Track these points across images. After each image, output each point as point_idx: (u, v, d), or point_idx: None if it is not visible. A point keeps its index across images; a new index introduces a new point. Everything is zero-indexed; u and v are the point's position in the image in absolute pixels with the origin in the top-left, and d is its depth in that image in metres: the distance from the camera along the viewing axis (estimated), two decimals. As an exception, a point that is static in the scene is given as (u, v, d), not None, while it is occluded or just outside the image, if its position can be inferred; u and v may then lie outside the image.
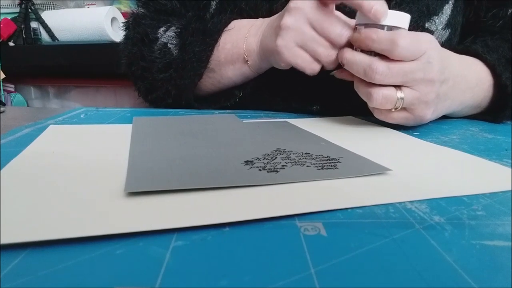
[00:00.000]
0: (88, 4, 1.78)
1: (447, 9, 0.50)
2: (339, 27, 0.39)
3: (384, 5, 0.36)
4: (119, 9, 1.60)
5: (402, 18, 0.37)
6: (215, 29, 0.49)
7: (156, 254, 0.15)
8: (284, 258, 0.15)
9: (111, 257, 0.15)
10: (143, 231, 0.17)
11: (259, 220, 0.18)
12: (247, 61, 0.48)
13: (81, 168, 0.26)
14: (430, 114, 0.38)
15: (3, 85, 1.60)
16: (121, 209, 0.19)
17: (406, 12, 0.43)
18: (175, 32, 0.51)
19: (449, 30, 0.51)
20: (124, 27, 0.56)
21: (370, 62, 0.36)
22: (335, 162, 0.28)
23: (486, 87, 0.47)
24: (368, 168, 0.26)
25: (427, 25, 0.49)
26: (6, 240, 0.16)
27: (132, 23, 0.55)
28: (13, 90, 1.70)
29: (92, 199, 0.20)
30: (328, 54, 0.40)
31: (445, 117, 0.49)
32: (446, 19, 0.50)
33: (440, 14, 0.50)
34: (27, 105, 1.71)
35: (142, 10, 0.57)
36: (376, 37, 0.36)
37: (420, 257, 0.16)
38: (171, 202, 0.20)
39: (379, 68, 0.36)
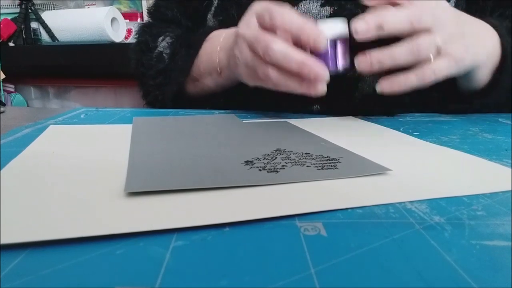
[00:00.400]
0: (88, 4, 1.78)
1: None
2: (280, 49, 0.36)
3: (320, 33, 0.36)
4: (119, 9, 1.60)
5: (341, 26, 0.38)
6: (198, 40, 0.52)
7: (156, 254, 0.15)
8: (284, 258, 0.15)
9: (111, 257, 0.15)
10: (143, 231, 0.17)
11: (259, 220, 0.18)
12: (220, 73, 0.49)
13: (81, 168, 0.26)
14: (464, 48, 0.37)
15: (3, 85, 1.60)
16: (121, 209, 0.19)
17: None
18: (167, 42, 0.55)
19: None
20: (136, 35, 0.63)
21: (413, 42, 0.35)
22: (335, 162, 0.28)
23: (493, 35, 0.44)
24: (368, 168, 0.26)
25: None
26: (6, 240, 0.16)
27: (139, 31, 0.61)
28: (13, 90, 1.70)
29: (92, 199, 0.20)
30: (278, 78, 0.38)
31: (445, 118, 0.49)
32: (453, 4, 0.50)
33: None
34: (27, 105, 1.71)
35: (149, 19, 0.63)
36: None
37: (420, 257, 0.16)
38: (171, 202, 0.20)
39: (424, 44, 0.34)
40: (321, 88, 0.37)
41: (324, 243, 0.17)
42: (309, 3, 0.49)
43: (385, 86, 0.37)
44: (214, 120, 0.44)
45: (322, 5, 0.49)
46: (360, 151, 0.30)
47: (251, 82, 0.42)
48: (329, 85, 0.43)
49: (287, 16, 0.36)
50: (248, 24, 0.39)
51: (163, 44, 0.55)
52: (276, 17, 0.36)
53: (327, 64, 0.37)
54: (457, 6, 0.51)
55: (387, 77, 0.37)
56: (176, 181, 0.23)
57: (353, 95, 0.50)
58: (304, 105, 0.53)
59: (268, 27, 0.37)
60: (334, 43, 0.37)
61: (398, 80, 0.36)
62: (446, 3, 0.38)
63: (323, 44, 0.35)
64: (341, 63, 0.38)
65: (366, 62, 0.36)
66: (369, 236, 0.17)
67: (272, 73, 0.38)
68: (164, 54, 0.54)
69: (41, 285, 0.13)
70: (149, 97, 0.58)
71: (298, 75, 0.36)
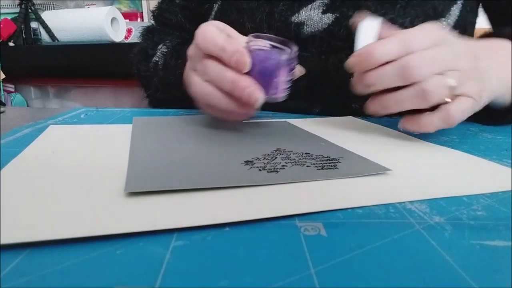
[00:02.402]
0: (88, 4, 1.78)
1: (455, 10, 0.49)
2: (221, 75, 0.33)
3: (243, 53, 0.32)
4: (119, 9, 1.61)
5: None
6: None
7: (156, 254, 0.15)
8: (284, 258, 0.15)
9: (111, 257, 0.15)
10: (143, 231, 0.17)
11: (259, 220, 0.18)
12: None
13: (81, 168, 0.26)
14: (480, 89, 0.34)
15: (3, 85, 1.60)
16: (121, 209, 0.19)
17: (412, 16, 0.43)
18: (162, 52, 0.54)
19: (457, 31, 0.49)
20: (140, 37, 0.61)
21: (401, 62, 0.31)
22: (335, 162, 0.28)
23: None
24: (368, 168, 0.26)
25: None
26: (6, 240, 0.16)
27: (142, 35, 0.60)
28: (13, 90, 1.70)
29: (92, 199, 0.20)
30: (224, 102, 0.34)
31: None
32: (454, 20, 0.49)
33: (447, 15, 0.48)
34: (27, 105, 1.71)
35: (152, 23, 0.62)
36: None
37: (420, 257, 0.16)
38: (171, 202, 0.20)
39: (415, 61, 0.31)
40: (253, 110, 0.35)
41: (324, 243, 0.17)
42: (310, 10, 0.48)
43: (409, 126, 0.34)
44: (214, 120, 0.44)
45: (323, 12, 0.48)
46: (360, 151, 0.30)
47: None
48: (330, 89, 0.42)
49: (209, 37, 0.33)
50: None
51: (158, 53, 0.55)
52: (197, 39, 0.34)
53: (265, 86, 0.33)
54: (465, 6, 0.49)
55: (411, 117, 0.34)
56: (176, 181, 0.23)
57: (352, 99, 0.50)
58: (305, 108, 0.53)
59: None
60: (272, 68, 0.33)
61: (421, 121, 0.33)
62: (453, 37, 0.34)
63: (246, 65, 0.32)
64: (280, 88, 0.34)
65: (374, 108, 0.34)
66: (369, 236, 0.17)
67: (206, 89, 0.35)
68: (159, 63, 0.54)
69: (41, 285, 0.13)
70: (156, 105, 0.58)
71: (232, 96, 0.34)
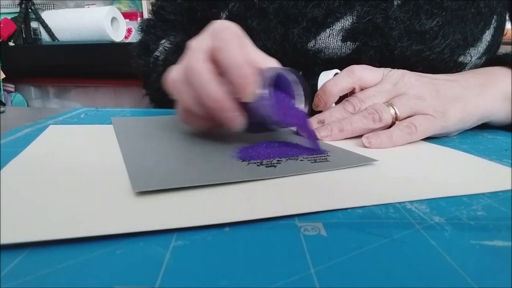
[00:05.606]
0: (88, 4, 1.78)
1: (487, 36, 0.46)
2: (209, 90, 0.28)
3: (253, 82, 0.27)
4: (119, 9, 1.61)
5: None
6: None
7: (156, 254, 0.15)
8: (284, 258, 0.15)
9: (111, 257, 0.15)
10: (143, 231, 0.17)
11: (259, 220, 0.18)
12: None
13: (80, 168, 0.26)
14: (441, 109, 0.35)
15: (3, 85, 1.60)
16: (121, 209, 0.19)
17: (440, 47, 0.43)
18: (165, 48, 0.53)
19: (485, 56, 0.48)
20: (139, 31, 0.59)
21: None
22: (325, 156, 0.29)
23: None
24: (357, 160, 0.28)
25: (460, 58, 0.46)
26: (6, 240, 0.16)
27: (142, 29, 0.58)
28: (13, 90, 1.70)
29: (92, 199, 0.20)
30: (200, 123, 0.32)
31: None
32: (484, 47, 0.47)
33: (477, 44, 0.46)
34: (27, 105, 1.71)
35: (153, 18, 0.59)
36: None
37: (420, 257, 0.16)
38: (171, 202, 0.20)
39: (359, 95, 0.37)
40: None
41: (324, 243, 0.17)
42: (329, 37, 0.45)
43: (372, 139, 0.33)
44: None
45: (343, 40, 0.45)
46: (361, 151, 0.30)
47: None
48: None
49: (230, 46, 0.28)
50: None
51: (160, 48, 0.53)
52: (215, 39, 0.28)
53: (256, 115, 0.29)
54: (497, 28, 0.47)
55: (373, 133, 0.34)
56: (182, 178, 0.23)
57: None
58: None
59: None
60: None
61: (384, 135, 0.33)
62: (399, 72, 0.38)
63: (250, 95, 0.27)
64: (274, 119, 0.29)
65: (327, 130, 0.35)
66: (369, 236, 0.17)
67: (183, 89, 0.30)
68: (159, 60, 0.52)
69: (41, 285, 0.13)
70: (155, 102, 0.58)
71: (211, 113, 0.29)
